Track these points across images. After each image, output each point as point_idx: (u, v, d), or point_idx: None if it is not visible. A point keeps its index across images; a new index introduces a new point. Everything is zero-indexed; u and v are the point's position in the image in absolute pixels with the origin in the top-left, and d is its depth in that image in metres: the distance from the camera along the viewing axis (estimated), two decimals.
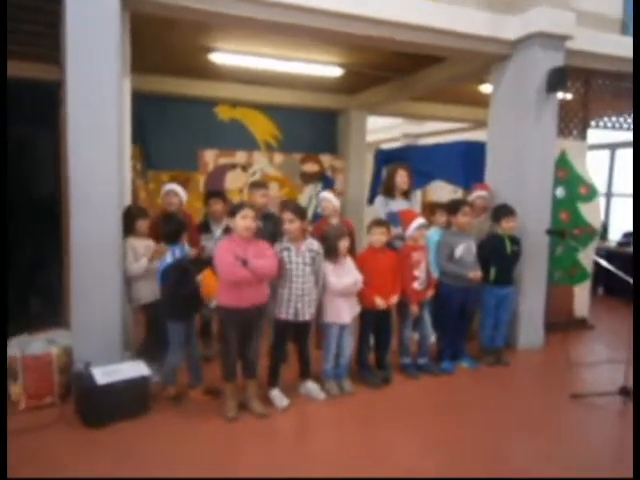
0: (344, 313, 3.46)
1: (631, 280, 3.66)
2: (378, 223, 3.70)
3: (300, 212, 3.32)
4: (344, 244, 3.44)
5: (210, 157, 7.70)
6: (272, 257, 3.18)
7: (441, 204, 4.55)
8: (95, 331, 3.33)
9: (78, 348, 3.31)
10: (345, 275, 3.45)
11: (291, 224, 3.28)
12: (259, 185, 4.11)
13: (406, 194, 4.62)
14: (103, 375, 3.05)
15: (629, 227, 7.54)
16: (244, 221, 3.12)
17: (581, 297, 5.57)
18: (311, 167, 8.30)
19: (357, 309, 3.57)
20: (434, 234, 4.27)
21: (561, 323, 5.24)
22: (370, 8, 4.07)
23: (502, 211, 4.21)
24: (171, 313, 3.34)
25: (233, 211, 3.21)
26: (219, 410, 3.24)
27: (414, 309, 3.87)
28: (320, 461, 2.76)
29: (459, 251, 4.00)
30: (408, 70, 6.23)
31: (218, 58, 5.66)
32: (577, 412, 3.49)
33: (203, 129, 7.59)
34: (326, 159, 8.36)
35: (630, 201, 8.06)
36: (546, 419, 3.41)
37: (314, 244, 3.39)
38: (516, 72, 4.64)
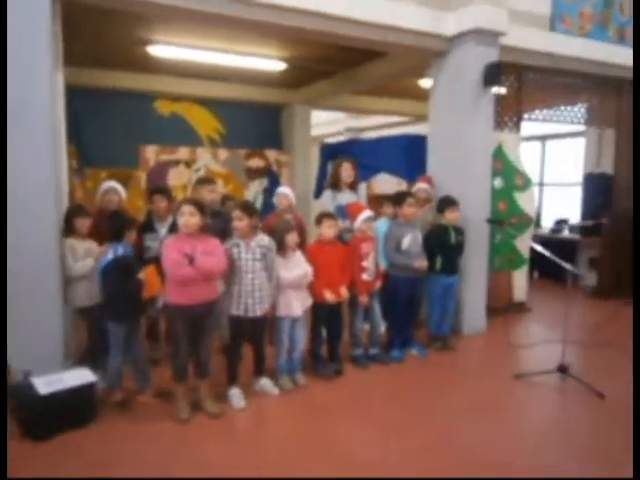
0: (295, 305, 3.46)
1: (566, 265, 3.88)
2: (327, 216, 3.72)
3: (249, 209, 3.28)
4: (292, 238, 3.44)
5: (151, 153, 7.47)
6: (220, 254, 3.12)
7: (388, 196, 4.64)
8: (33, 339, 3.17)
9: (15, 358, 3.12)
10: (295, 268, 3.45)
11: (240, 221, 3.24)
12: (206, 181, 4.03)
13: (352, 187, 4.67)
14: (45, 385, 2.89)
15: (560, 214, 8.00)
16: (182, 218, 3.06)
17: (519, 282, 5.86)
18: (256, 162, 8.23)
19: (309, 302, 3.59)
20: (382, 225, 4.35)
21: (501, 307, 5.49)
22: (313, 2, 4.06)
23: (446, 202, 4.34)
24: (112, 314, 3.21)
25: (177, 208, 3.14)
26: (170, 413, 3.16)
27: (364, 299, 3.93)
28: (275, 456, 2.75)
29: (406, 242, 4.09)
30: (351, 64, 6.29)
31: (157, 51, 5.49)
32: (520, 391, 3.67)
33: (143, 124, 7.35)
34: (271, 154, 8.32)
35: (560, 190, 8.55)
36: (492, 399, 3.56)
37: (265, 240, 3.36)
38: (454, 67, 4.79)
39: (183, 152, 7.68)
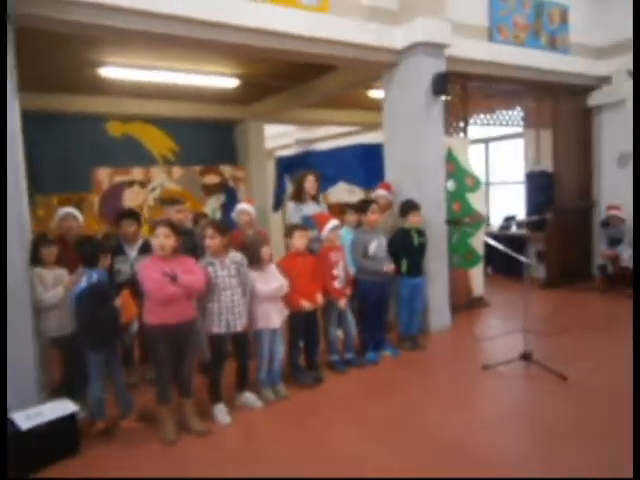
0: (273, 317, 3.53)
1: (521, 257, 4.15)
2: (297, 227, 3.81)
3: (221, 227, 3.33)
4: (266, 251, 3.51)
5: (104, 175, 7.34)
6: (199, 272, 3.16)
7: (350, 204, 4.78)
8: (7, 372, 3.05)
9: None
10: (271, 280, 3.52)
11: (212, 240, 3.28)
12: (173, 201, 4.03)
13: (315, 198, 4.80)
14: (25, 419, 2.82)
15: (507, 212, 8.44)
16: (157, 240, 3.08)
17: (476, 278, 6.15)
18: (212, 179, 8.22)
19: (285, 313, 3.66)
20: (346, 234, 4.48)
21: (462, 304, 5.76)
22: (263, 20, 4.15)
23: (408, 206, 4.53)
24: (90, 342, 3.16)
25: (152, 230, 3.15)
26: (156, 435, 3.14)
27: (342, 304, 4.04)
28: (268, 468, 2.80)
29: (372, 247, 4.24)
30: (302, 79, 6.44)
31: (109, 72, 5.43)
32: (489, 380, 3.89)
33: (94, 147, 7.22)
34: (227, 170, 8.34)
35: (505, 188, 9.02)
36: (464, 390, 3.78)
37: (237, 256, 3.41)
38: (405, 78, 5.02)
39: (137, 172, 7.59)
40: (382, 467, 2.75)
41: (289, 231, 3.80)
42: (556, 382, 3.72)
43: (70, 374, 3.49)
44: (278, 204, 7.59)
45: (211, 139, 8.30)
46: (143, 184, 7.66)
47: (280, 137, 11.64)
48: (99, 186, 7.30)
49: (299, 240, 3.73)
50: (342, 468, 2.75)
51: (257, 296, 3.46)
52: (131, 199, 7.53)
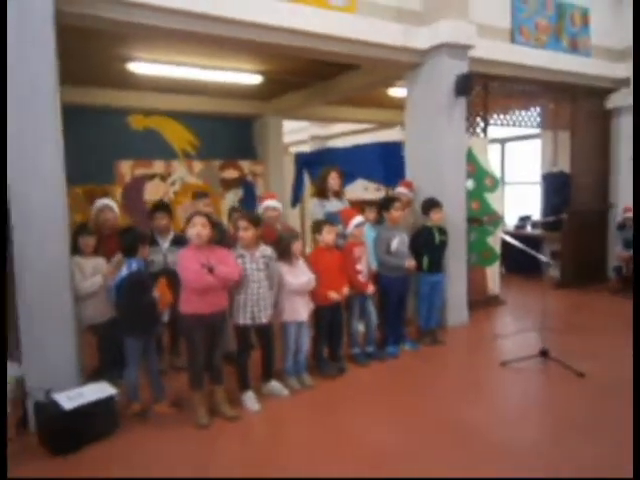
0: (301, 311, 3.65)
1: (540, 256, 4.24)
2: (326, 223, 3.93)
3: (255, 220, 3.45)
4: (297, 246, 3.63)
5: (126, 168, 7.47)
6: (234, 263, 3.28)
7: (371, 201, 4.89)
8: (48, 358, 3.20)
9: (31, 378, 3.16)
10: (300, 275, 3.64)
11: (245, 232, 3.40)
12: (202, 195, 4.16)
13: (338, 195, 4.90)
14: (68, 400, 2.96)
15: (522, 212, 8.51)
16: (194, 229, 3.20)
17: (492, 277, 6.24)
18: (231, 173, 8.34)
19: (311, 306, 3.77)
20: (368, 230, 4.58)
21: (479, 301, 5.85)
22: (293, 20, 4.26)
23: (430, 204, 4.62)
24: (129, 329, 3.29)
25: (188, 222, 3.28)
26: (188, 420, 3.28)
27: (370, 290, 4.15)
28: (297, 451, 2.94)
29: (395, 244, 4.35)
30: (325, 76, 6.54)
31: (138, 68, 5.56)
32: (508, 375, 3.99)
33: (117, 140, 7.38)
34: (245, 165, 8.45)
35: (521, 188, 9.08)
36: (483, 384, 3.89)
37: (267, 250, 3.53)
38: (428, 78, 5.11)
39: (158, 166, 7.72)
40: (402, 452, 2.87)
41: (318, 226, 3.91)
42: (573, 378, 3.81)
43: (107, 359, 3.63)
44: (296, 200, 7.70)
45: (230, 134, 8.43)
46: (164, 177, 7.79)
47: (295, 133, 11.75)
48: (121, 178, 7.45)
49: (328, 235, 3.84)
50: (363, 453, 2.87)
51: (286, 289, 3.57)
52: (152, 192, 7.65)
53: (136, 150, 7.55)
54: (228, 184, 8.30)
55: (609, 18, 6.65)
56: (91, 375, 3.59)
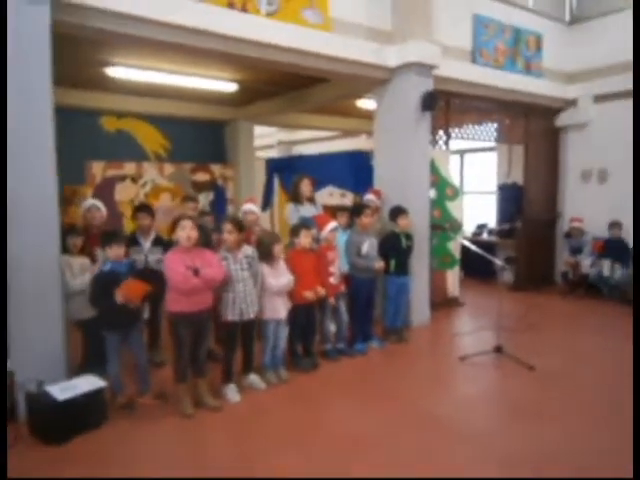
0: (281, 309, 3.91)
1: (496, 260, 4.66)
2: (304, 227, 4.20)
3: (238, 224, 3.68)
4: (278, 248, 3.89)
5: (97, 169, 7.51)
6: (219, 265, 3.51)
7: (343, 207, 5.20)
8: (38, 351, 3.33)
9: (21, 370, 3.28)
10: (281, 276, 3.90)
11: (229, 235, 3.64)
12: (189, 199, 4.35)
13: (311, 200, 5.19)
14: (60, 392, 3.11)
15: (479, 220, 9.04)
16: (183, 232, 3.40)
17: (452, 280, 6.67)
18: (202, 176, 8.50)
19: (289, 305, 4.04)
20: (340, 234, 4.89)
21: (440, 302, 6.27)
22: (274, 36, 4.50)
23: (398, 211, 4.96)
24: (106, 324, 3.46)
25: (174, 225, 3.48)
26: (173, 411, 3.47)
27: (332, 301, 4.46)
28: (276, 437, 3.18)
29: (365, 247, 4.67)
30: (298, 86, 6.82)
31: (116, 72, 5.68)
32: (466, 368, 4.38)
33: (89, 141, 7.40)
34: (216, 168, 8.62)
35: (477, 197, 9.63)
36: (443, 376, 4.28)
37: (249, 250, 3.78)
38: (396, 93, 5.47)
39: (129, 167, 7.79)
40: (372, 438, 3.17)
41: (296, 230, 4.18)
42: (524, 371, 4.22)
43: (91, 354, 3.77)
44: (267, 204, 7.92)
45: (202, 137, 8.58)
46: (135, 179, 7.86)
47: (262, 137, 11.96)
48: (92, 179, 7.47)
49: (305, 239, 4.12)
50: (336, 439, 3.15)
51: (267, 289, 3.82)
52: (123, 193, 7.73)
53: (108, 151, 7.59)
54: (199, 187, 8.44)
55: (561, 44, 7.25)
56: (75, 370, 3.72)
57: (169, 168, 8.18)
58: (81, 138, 7.32)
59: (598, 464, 2.84)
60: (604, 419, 3.41)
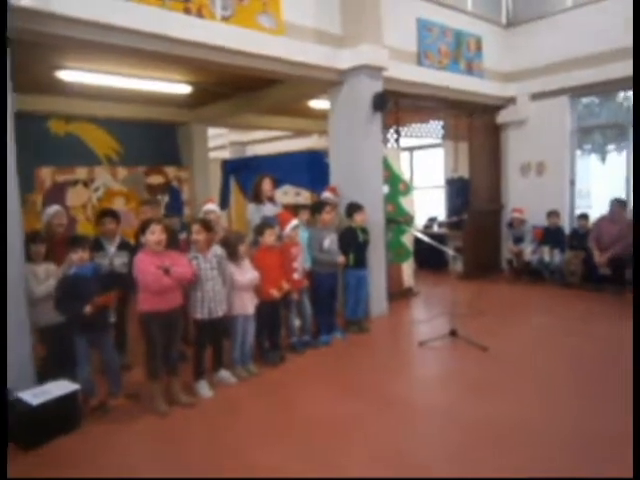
0: (249, 305, 4.04)
1: (448, 250, 4.98)
2: (267, 226, 4.35)
3: (207, 225, 3.79)
4: (243, 248, 4.02)
5: (47, 175, 7.35)
6: (187, 263, 3.60)
7: (304, 205, 5.38)
8: (6, 359, 3.32)
9: None
10: (246, 273, 4.03)
11: (198, 235, 3.74)
12: (149, 202, 4.39)
13: (272, 199, 5.33)
14: (34, 397, 3.13)
15: (430, 213, 9.47)
16: (153, 236, 3.48)
17: (407, 271, 6.98)
18: (156, 179, 8.44)
19: (256, 301, 4.17)
20: (302, 231, 5.06)
21: (396, 293, 6.56)
22: (229, 40, 4.59)
23: (354, 207, 5.19)
24: (73, 328, 3.48)
25: (142, 228, 3.56)
26: (146, 410, 3.54)
27: (295, 296, 4.63)
28: (251, 429, 3.32)
29: (327, 243, 4.87)
30: (251, 88, 6.92)
31: (67, 75, 5.59)
32: (425, 352, 4.67)
33: (37, 146, 7.20)
34: (171, 170, 8.58)
35: (427, 192, 10.06)
36: (405, 360, 4.57)
37: (218, 249, 3.89)
38: (348, 95, 5.70)
39: (81, 172, 7.65)
40: (342, 421, 3.36)
41: (260, 229, 4.32)
42: (478, 352, 4.55)
43: (57, 358, 3.76)
44: (224, 204, 7.98)
45: (154, 140, 8.51)
46: (86, 183, 7.72)
47: (214, 139, 11.95)
48: (42, 185, 7.29)
49: (269, 237, 4.27)
50: (309, 425, 3.33)
51: (235, 286, 3.95)
52: (74, 198, 7.58)
53: (57, 156, 7.42)
54: (154, 190, 8.38)
55: (499, 46, 7.72)
56: (41, 373, 3.69)
57: (122, 172, 8.08)
58: (28, 143, 7.09)
59: (548, 429, 3.15)
60: (553, 389, 3.76)
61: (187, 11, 4.33)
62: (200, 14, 4.43)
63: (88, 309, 3.37)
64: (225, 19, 4.61)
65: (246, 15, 4.73)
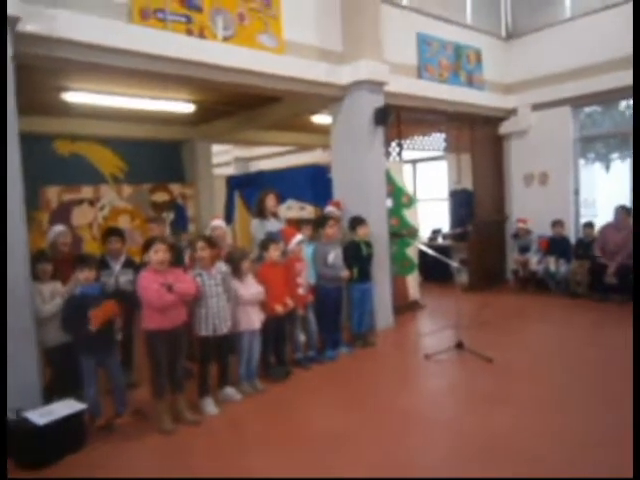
0: (255, 320, 4.05)
1: (452, 262, 4.97)
2: (272, 241, 4.37)
3: (211, 242, 3.82)
4: (246, 264, 4.04)
5: (53, 194, 7.43)
6: (190, 280, 3.62)
7: (307, 220, 5.40)
8: (13, 378, 3.33)
9: None
10: (250, 287, 4.05)
11: (202, 251, 3.76)
12: (155, 219, 4.43)
13: (275, 215, 5.35)
14: (40, 417, 3.13)
15: (434, 225, 9.46)
16: (157, 255, 3.51)
17: (413, 284, 6.97)
18: (161, 196, 8.51)
19: (262, 316, 4.18)
20: (306, 246, 5.08)
21: (402, 306, 6.54)
22: (232, 59, 4.69)
23: (357, 221, 5.21)
24: (80, 348, 3.50)
25: (146, 246, 3.59)
26: (152, 428, 3.53)
27: (300, 311, 4.64)
28: (258, 444, 3.33)
29: (331, 257, 4.88)
30: (253, 105, 7.01)
31: (72, 97, 5.69)
32: (431, 365, 4.64)
33: (43, 165, 7.27)
34: (175, 187, 8.65)
35: (431, 204, 10.07)
36: (411, 373, 4.55)
37: (222, 266, 3.91)
38: (350, 110, 5.75)
39: (86, 191, 7.73)
40: (348, 435, 3.34)
41: (265, 245, 4.34)
42: (484, 364, 4.51)
43: (63, 378, 3.77)
44: (228, 220, 8.03)
45: (159, 158, 8.61)
46: (92, 202, 7.80)
47: (219, 155, 12.04)
48: (48, 204, 7.38)
49: (274, 252, 4.29)
50: (316, 439, 3.32)
51: (240, 301, 3.96)
52: (80, 217, 7.65)
53: (63, 176, 7.51)
54: (159, 207, 8.44)
55: (499, 58, 7.79)
56: (46, 393, 3.70)
57: (127, 189, 8.15)
58: (34, 163, 7.18)
59: (553, 442, 3.12)
60: (561, 401, 3.72)
61: (189, 32, 4.41)
62: (202, 35, 4.51)
63: (92, 325, 3.37)
64: (226, 39, 4.68)
65: (247, 35, 4.81)
